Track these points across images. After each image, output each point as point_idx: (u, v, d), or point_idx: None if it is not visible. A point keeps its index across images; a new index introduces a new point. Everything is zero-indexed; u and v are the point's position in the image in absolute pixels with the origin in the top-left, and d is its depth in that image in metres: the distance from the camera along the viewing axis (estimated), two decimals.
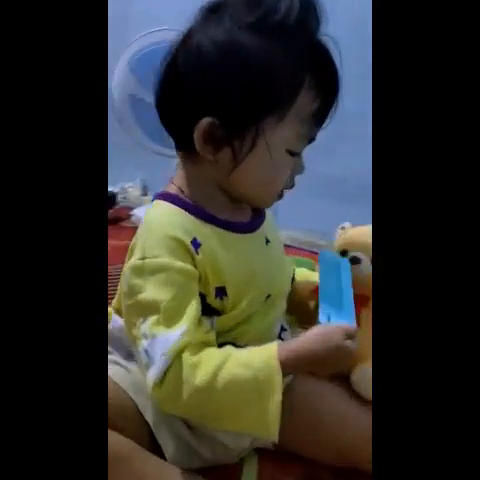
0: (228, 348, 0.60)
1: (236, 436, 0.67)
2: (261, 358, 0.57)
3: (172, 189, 0.67)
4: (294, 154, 0.63)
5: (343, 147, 1.69)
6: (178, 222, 0.61)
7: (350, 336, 0.58)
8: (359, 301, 0.69)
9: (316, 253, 1.65)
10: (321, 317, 0.62)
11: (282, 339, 0.74)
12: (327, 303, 0.65)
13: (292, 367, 0.58)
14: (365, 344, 0.59)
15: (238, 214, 0.68)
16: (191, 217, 0.63)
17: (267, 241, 0.71)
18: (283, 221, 1.85)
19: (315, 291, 0.73)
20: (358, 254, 0.75)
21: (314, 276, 0.91)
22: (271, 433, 0.55)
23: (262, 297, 0.68)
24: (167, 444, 0.63)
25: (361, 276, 0.73)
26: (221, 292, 0.63)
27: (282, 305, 0.75)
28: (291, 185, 0.67)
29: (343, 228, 0.86)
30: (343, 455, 0.66)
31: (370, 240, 0.71)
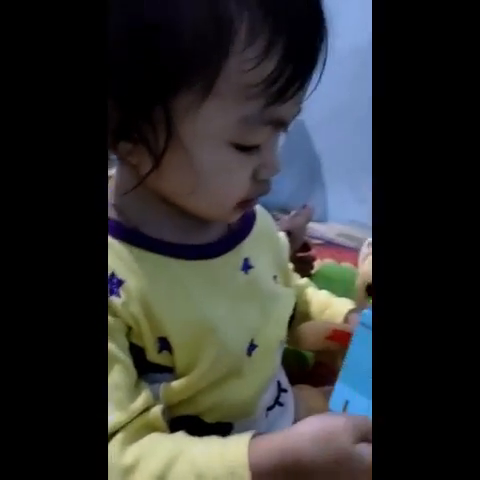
0: (179, 438, 0.43)
1: None
2: (223, 464, 0.39)
3: None
4: (248, 149, 0.42)
5: None
6: None
7: (365, 437, 0.39)
8: None
9: (353, 249, 1.43)
10: (333, 403, 0.49)
11: (280, 404, 0.57)
12: (349, 384, 0.49)
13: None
14: None
15: (197, 233, 0.50)
16: (117, 245, 0.46)
17: (248, 267, 0.52)
18: (333, 212, 1.67)
19: (332, 337, 0.61)
20: None
21: (337, 311, 0.70)
22: None
23: (239, 349, 0.50)
24: None
25: None
26: (166, 343, 0.47)
27: (275, 360, 0.56)
28: (265, 191, 0.47)
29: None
30: None
31: None
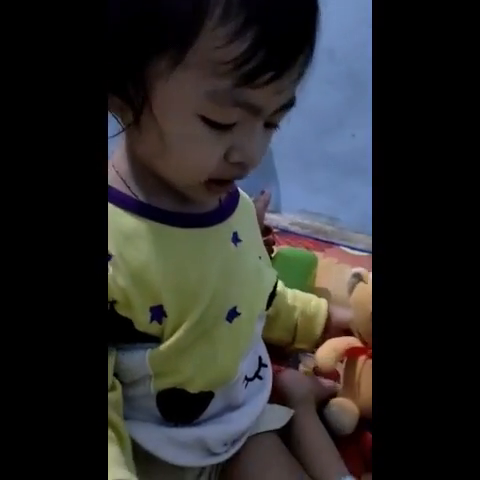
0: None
1: None
2: None
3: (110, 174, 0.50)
4: (219, 127, 0.43)
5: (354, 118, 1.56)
6: None
7: None
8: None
9: (323, 241, 1.52)
10: None
11: (260, 378, 0.61)
12: None
13: None
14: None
15: (192, 204, 0.51)
16: (112, 209, 0.47)
17: (237, 240, 0.54)
18: (286, 203, 1.75)
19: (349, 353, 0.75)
20: None
21: (318, 306, 0.80)
22: None
23: (220, 312, 0.52)
24: None
25: None
26: (159, 312, 0.48)
27: (256, 330, 0.57)
28: (239, 174, 0.47)
29: (359, 275, 0.79)
30: None
31: None
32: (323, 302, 0.80)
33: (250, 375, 0.59)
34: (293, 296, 0.79)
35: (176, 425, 0.54)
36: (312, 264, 1.15)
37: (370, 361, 0.77)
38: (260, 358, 0.61)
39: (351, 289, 0.79)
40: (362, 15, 1.51)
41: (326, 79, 1.54)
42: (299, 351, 0.86)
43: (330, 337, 0.80)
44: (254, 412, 0.60)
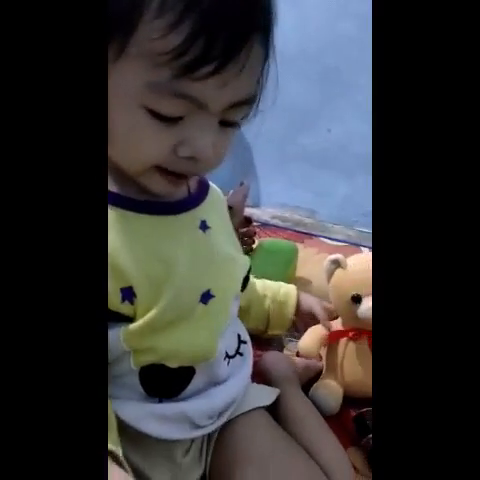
0: None
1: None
2: None
3: None
4: (165, 119, 0.43)
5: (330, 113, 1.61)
6: None
7: None
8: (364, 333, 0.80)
9: (303, 233, 1.56)
10: None
11: (241, 354, 0.63)
12: None
13: None
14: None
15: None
16: None
17: (205, 227, 0.56)
18: (266, 198, 1.79)
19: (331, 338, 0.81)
20: None
21: (287, 292, 0.80)
22: None
23: (193, 295, 0.53)
24: None
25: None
26: (129, 293, 0.49)
27: (231, 310, 0.59)
28: (192, 169, 0.47)
29: (337, 261, 0.82)
30: None
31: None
32: (292, 288, 0.81)
33: (231, 353, 0.61)
34: (262, 285, 0.80)
35: (160, 401, 0.55)
36: (293, 254, 1.19)
37: (351, 343, 0.81)
38: (239, 336, 0.63)
39: (330, 275, 0.83)
40: (335, 12, 1.56)
41: (301, 76, 1.58)
42: (277, 336, 0.88)
43: (302, 321, 0.82)
44: (237, 386, 0.61)
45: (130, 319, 0.50)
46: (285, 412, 0.67)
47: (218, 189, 0.64)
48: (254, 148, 1.70)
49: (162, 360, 0.53)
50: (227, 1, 0.39)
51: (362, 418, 0.73)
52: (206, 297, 0.54)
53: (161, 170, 0.47)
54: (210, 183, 0.62)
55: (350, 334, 0.81)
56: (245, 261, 0.63)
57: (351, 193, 1.65)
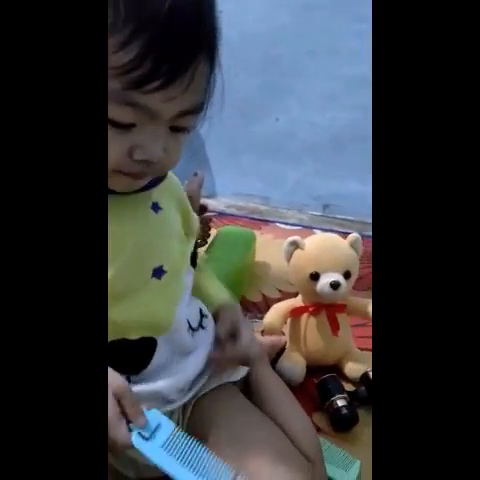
0: None
1: None
2: None
3: None
4: (119, 126, 0.46)
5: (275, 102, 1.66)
6: None
7: (122, 399, 0.49)
8: (339, 307, 0.89)
9: (259, 220, 1.62)
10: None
11: (203, 327, 0.66)
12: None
13: None
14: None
15: None
16: None
17: (158, 208, 0.60)
18: (220, 188, 1.84)
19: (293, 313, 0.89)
20: (336, 278, 0.85)
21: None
22: None
23: (143, 270, 0.57)
24: None
25: (340, 296, 0.87)
26: None
27: (185, 283, 0.63)
28: (147, 170, 0.51)
29: (295, 242, 0.88)
30: None
31: (338, 256, 0.86)
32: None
33: (194, 325, 0.65)
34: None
35: (128, 379, 0.58)
36: (251, 240, 1.24)
37: (312, 318, 0.88)
38: (201, 310, 0.67)
39: (289, 256, 0.89)
40: (277, 1, 1.61)
41: (245, 67, 1.63)
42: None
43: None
44: (203, 358, 0.65)
45: None
46: (255, 387, 0.72)
47: (174, 176, 0.67)
48: (206, 141, 1.74)
49: (122, 334, 0.56)
50: (174, 25, 0.42)
51: (324, 384, 0.80)
52: (159, 272, 0.58)
53: (121, 172, 0.50)
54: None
55: (310, 309, 0.88)
56: (192, 242, 0.67)
57: (301, 178, 1.72)
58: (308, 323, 0.88)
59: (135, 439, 0.49)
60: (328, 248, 0.87)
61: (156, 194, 0.60)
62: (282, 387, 0.75)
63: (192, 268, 0.66)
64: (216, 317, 0.68)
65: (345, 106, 1.63)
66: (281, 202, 1.75)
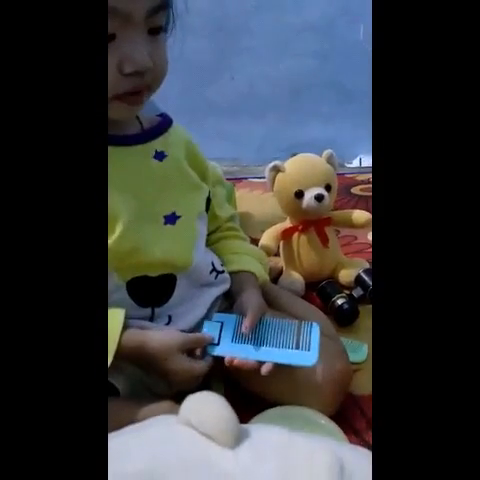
0: None
1: None
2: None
3: None
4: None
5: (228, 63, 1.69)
6: None
7: (187, 349, 0.57)
8: (325, 221, 0.93)
9: (233, 179, 1.65)
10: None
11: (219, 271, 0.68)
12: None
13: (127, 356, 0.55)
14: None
15: (115, 128, 0.58)
16: None
17: (161, 156, 0.62)
18: None
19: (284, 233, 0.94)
20: (319, 191, 0.88)
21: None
22: None
23: (154, 218, 0.60)
24: (120, 383, 0.59)
25: (325, 208, 0.91)
26: None
27: (198, 227, 0.66)
28: (140, 84, 0.53)
29: (276, 167, 0.92)
30: (286, 393, 0.63)
31: (317, 172, 0.90)
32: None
33: (219, 268, 0.67)
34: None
35: (152, 312, 0.61)
36: (231, 191, 1.27)
37: (302, 235, 0.92)
38: (212, 263, 0.68)
39: (272, 182, 0.92)
40: None
41: (193, 32, 1.65)
42: None
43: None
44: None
45: None
46: (272, 297, 0.73)
47: (181, 127, 0.69)
48: (165, 110, 1.76)
49: (143, 271, 0.59)
50: None
51: (324, 289, 0.85)
52: (172, 218, 0.61)
53: (119, 97, 0.53)
54: (174, 122, 0.67)
55: (299, 228, 0.91)
56: (206, 188, 0.68)
57: (266, 133, 1.76)
58: (300, 241, 0.92)
59: (210, 351, 0.58)
60: (308, 166, 0.90)
61: (161, 144, 0.62)
62: (291, 295, 0.79)
63: (205, 214, 0.68)
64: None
65: (295, 55, 1.67)
66: (251, 160, 1.78)
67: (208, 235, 0.70)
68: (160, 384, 0.62)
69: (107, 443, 0.33)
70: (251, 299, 0.63)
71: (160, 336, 0.56)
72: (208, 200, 0.69)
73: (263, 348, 0.58)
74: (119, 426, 0.42)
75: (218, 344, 0.59)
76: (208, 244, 0.70)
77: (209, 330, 0.60)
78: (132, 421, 0.45)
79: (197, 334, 0.59)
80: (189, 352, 0.57)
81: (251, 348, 0.58)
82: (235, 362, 0.57)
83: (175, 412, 0.42)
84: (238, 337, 0.59)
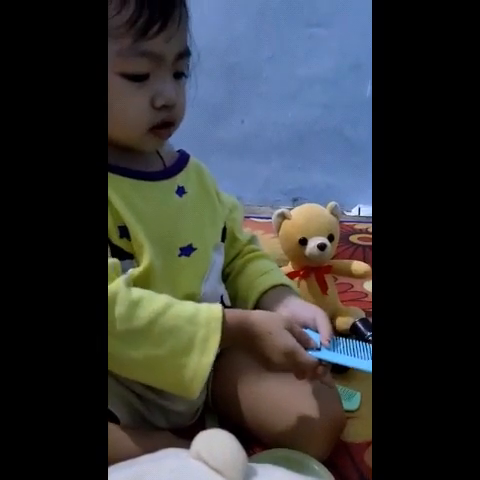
0: (166, 296, 0.57)
1: (188, 402, 0.65)
2: (203, 316, 0.55)
3: None
4: (137, 79, 0.56)
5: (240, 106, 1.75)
6: None
7: (292, 330, 0.58)
8: (326, 269, 0.97)
9: None
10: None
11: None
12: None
13: (231, 337, 0.56)
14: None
15: (142, 165, 0.63)
16: None
17: (182, 192, 0.66)
18: None
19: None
20: (321, 240, 0.93)
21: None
22: (190, 392, 0.55)
23: (170, 250, 0.63)
24: (120, 412, 0.61)
25: (327, 256, 0.95)
26: (124, 231, 0.59)
27: (213, 258, 0.68)
28: (170, 117, 0.59)
29: (282, 214, 0.97)
30: (280, 437, 0.64)
31: (322, 222, 0.94)
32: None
33: (227, 302, 0.70)
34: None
35: None
36: None
37: (302, 281, 0.95)
38: (221, 297, 0.70)
39: (278, 227, 0.97)
40: (233, 13, 1.72)
41: (208, 73, 1.72)
42: None
43: None
44: None
45: (131, 256, 0.59)
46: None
47: (199, 162, 0.74)
48: (175, 145, 1.81)
49: None
50: None
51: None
52: (188, 250, 0.64)
53: (152, 130, 0.59)
54: (191, 157, 0.71)
55: (301, 273, 0.95)
56: (222, 218, 0.72)
57: (269, 176, 1.81)
58: (300, 286, 0.95)
59: (313, 355, 0.58)
60: (313, 216, 0.95)
61: (182, 179, 0.67)
62: None
63: (221, 244, 0.71)
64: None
65: (304, 104, 1.74)
66: (253, 200, 1.83)
67: (231, 261, 0.74)
68: (158, 417, 0.64)
69: (107, 469, 0.35)
70: (309, 309, 0.66)
71: (264, 312, 0.60)
72: (224, 230, 0.72)
73: (353, 358, 0.59)
74: (120, 453, 0.44)
75: (319, 348, 0.59)
76: (235, 272, 0.74)
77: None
78: (133, 449, 0.47)
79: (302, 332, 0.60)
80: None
81: (346, 357, 0.59)
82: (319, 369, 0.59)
83: (175, 444, 0.44)
84: (334, 346, 0.60)
